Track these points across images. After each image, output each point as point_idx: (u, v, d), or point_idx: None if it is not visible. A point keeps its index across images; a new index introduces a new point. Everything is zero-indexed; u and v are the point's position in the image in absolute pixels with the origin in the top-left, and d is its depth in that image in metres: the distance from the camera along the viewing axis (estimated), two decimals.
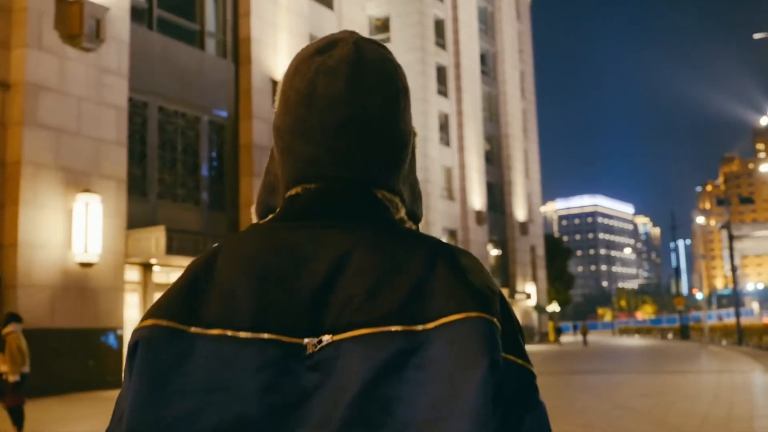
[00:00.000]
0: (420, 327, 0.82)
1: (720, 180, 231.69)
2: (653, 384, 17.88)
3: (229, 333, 0.83)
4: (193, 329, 0.85)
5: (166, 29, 20.94)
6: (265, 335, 0.83)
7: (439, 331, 0.82)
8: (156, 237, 17.72)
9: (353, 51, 0.97)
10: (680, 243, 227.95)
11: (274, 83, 23.12)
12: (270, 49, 23.18)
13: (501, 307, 0.91)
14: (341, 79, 0.95)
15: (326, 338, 0.83)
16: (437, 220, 41.43)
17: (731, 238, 42.07)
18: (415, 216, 1.07)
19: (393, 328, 0.82)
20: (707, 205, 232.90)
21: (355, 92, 0.95)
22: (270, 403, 0.81)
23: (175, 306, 0.87)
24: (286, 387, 0.81)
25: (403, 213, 1.02)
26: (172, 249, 17.78)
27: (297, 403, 0.81)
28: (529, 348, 44.45)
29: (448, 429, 0.77)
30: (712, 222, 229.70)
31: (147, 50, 19.94)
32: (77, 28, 16.85)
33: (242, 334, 0.83)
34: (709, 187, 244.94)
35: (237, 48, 22.71)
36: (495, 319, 0.86)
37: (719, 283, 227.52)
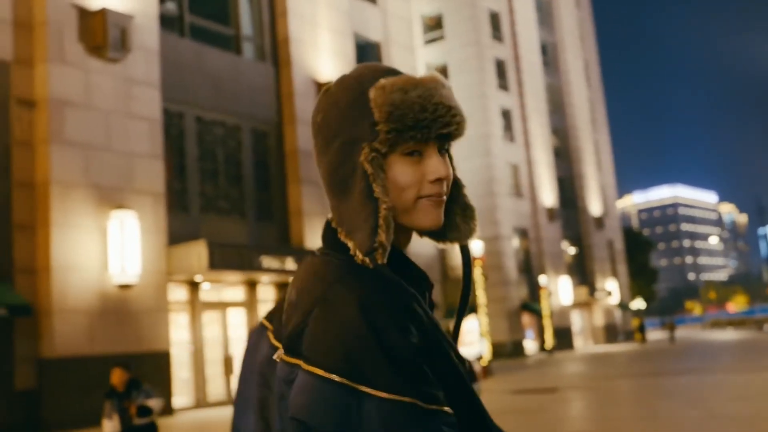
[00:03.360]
0: (297, 361, 1.08)
1: None
2: (753, 385, 15.89)
3: (270, 328, 1.27)
4: (268, 325, 1.28)
5: (199, 36, 20.07)
6: (271, 335, 1.22)
7: (299, 371, 1.07)
8: (198, 252, 16.77)
9: None
10: None
11: (317, 84, 22.01)
12: (311, 49, 22.11)
13: (364, 345, 1.04)
14: None
15: (279, 353, 1.14)
16: (505, 219, 39.78)
17: None
18: (353, 240, 1.15)
19: (287, 358, 1.11)
20: None
21: None
22: (259, 383, 1.21)
23: (273, 307, 1.30)
24: (268, 376, 1.18)
25: (344, 238, 1.17)
26: (215, 263, 16.79)
27: (267, 393, 1.19)
28: (613, 348, 42.40)
29: None
30: None
31: (179, 59, 19.09)
32: (101, 39, 16.06)
33: (270, 330, 1.24)
34: None
35: (275, 50, 21.71)
36: (326, 374, 1.03)
37: None
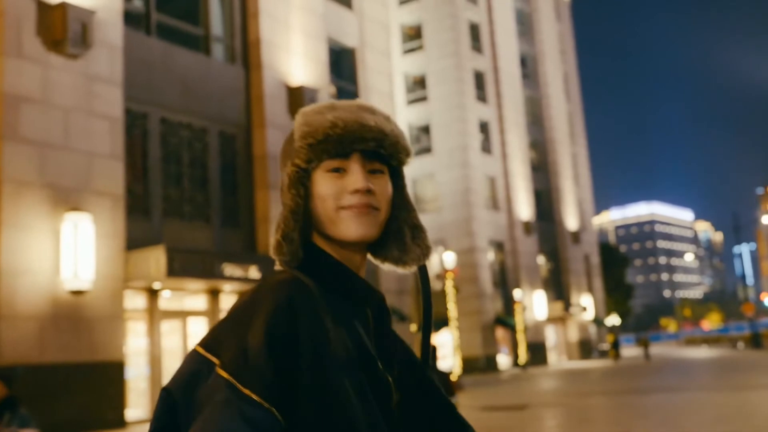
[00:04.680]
0: (215, 360, 1.17)
1: None
2: (730, 404, 15.44)
3: None
4: None
5: (166, 35, 19.42)
6: None
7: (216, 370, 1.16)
8: (156, 258, 16.06)
9: None
10: (744, 247, 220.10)
11: (288, 88, 21.44)
12: (283, 52, 21.53)
13: (229, 327, 1.18)
14: None
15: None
16: (481, 231, 39.37)
17: None
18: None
19: (200, 350, 1.21)
20: None
21: None
22: None
23: None
24: None
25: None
26: (174, 270, 16.09)
27: None
28: (588, 364, 42.00)
29: None
30: None
31: (145, 57, 18.44)
32: (61, 33, 15.38)
33: None
34: None
35: (246, 52, 21.10)
36: (201, 350, 1.20)
37: None
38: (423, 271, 1.39)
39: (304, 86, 21.43)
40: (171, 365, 17.97)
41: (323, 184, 1.26)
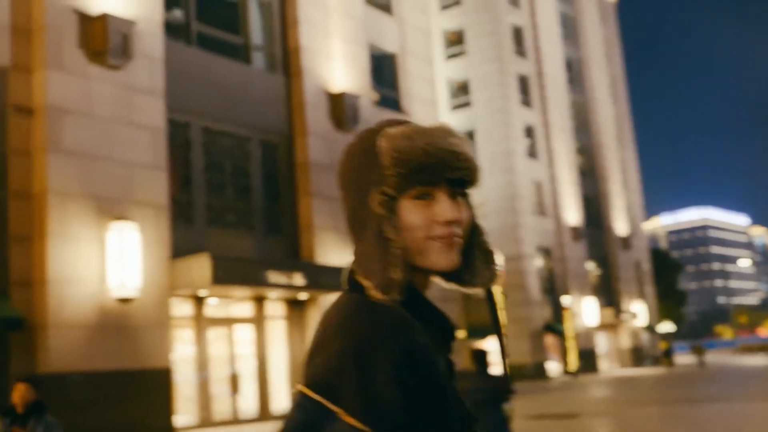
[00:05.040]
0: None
1: None
2: None
3: None
4: None
5: (206, 44, 19.56)
6: None
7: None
8: (201, 266, 16.11)
9: None
10: None
11: (329, 95, 21.41)
12: (323, 59, 21.53)
13: (347, 375, 1.10)
14: None
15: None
16: (528, 238, 38.87)
17: None
18: (368, 278, 1.22)
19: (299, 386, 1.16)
20: None
21: None
22: None
23: None
24: None
25: (359, 278, 1.24)
26: (218, 278, 16.12)
27: None
28: (640, 372, 41.07)
29: None
30: None
31: (186, 68, 18.58)
32: (101, 44, 15.57)
33: None
34: None
35: (286, 60, 21.14)
36: (307, 390, 1.13)
37: None
38: (490, 295, 1.38)
39: (346, 93, 21.39)
40: (218, 372, 18.01)
41: (412, 213, 1.24)
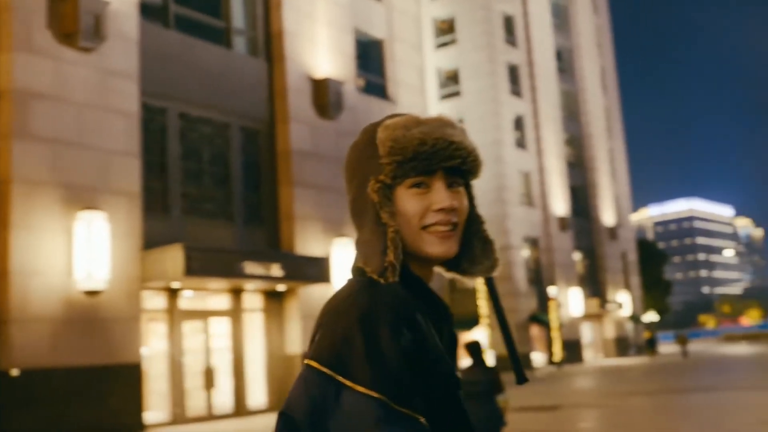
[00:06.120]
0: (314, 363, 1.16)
1: None
2: None
3: None
4: None
5: (185, 27, 18.88)
6: None
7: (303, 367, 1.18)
8: (173, 257, 15.52)
9: None
10: None
11: (313, 81, 20.79)
12: (307, 44, 20.89)
13: (354, 345, 1.13)
14: None
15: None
16: (515, 229, 38.44)
17: None
18: (368, 264, 1.26)
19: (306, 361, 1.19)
20: None
21: None
22: None
23: None
24: None
25: (360, 263, 1.28)
26: (192, 269, 15.54)
27: None
28: (624, 361, 40.85)
29: None
30: None
31: (163, 51, 17.91)
32: (72, 25, 14.90)
33: None
34: None
35: (269, 44, 20.49)
36: (317, 365, 1.15)
37: None
38: (491, 283, 1.40)
39: (330, 79, 20.78)
40: (193, 366, 17.48)
41: (408, 201, 1.27)
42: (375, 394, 1.08)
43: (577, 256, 45.41)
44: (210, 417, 17.46)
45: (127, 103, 16.03)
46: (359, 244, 1.30)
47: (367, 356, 1.11)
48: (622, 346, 49.07)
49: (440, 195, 1.26)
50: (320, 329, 1.20)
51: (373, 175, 1.28)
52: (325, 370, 1.13)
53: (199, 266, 15.73)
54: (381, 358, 1.11)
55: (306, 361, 1.17)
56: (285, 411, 1.15)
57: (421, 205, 1.26)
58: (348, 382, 1.10)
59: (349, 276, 1.32)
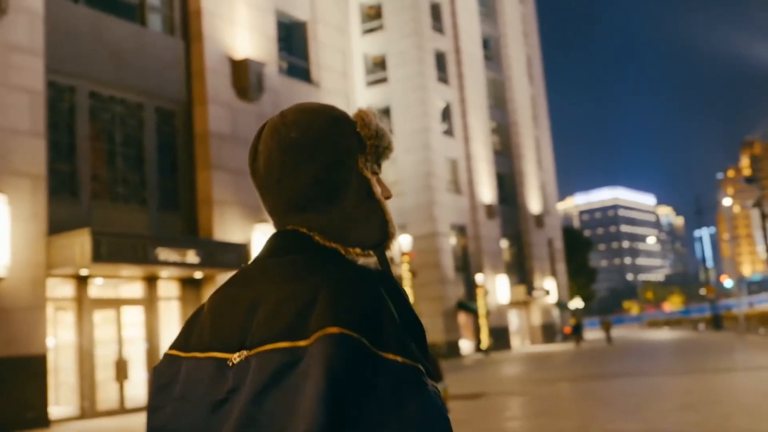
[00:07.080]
0: (303, 342, 1.04)
1: (745, 162, 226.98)
2: (695, 389, 14.66)
3: (197, 354, 1.14)
4: (182, 354, 1.16)
5: (96, 3, 18.04)
6: (211, 354, 1.12)
7: (312, 345, 1.04)
8: (81, 242, 14.75)
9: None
10: (705, 230, 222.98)
11: (232, 62, 20.14)
12: (226, 24, 20.22)
13: (381, 313, 1.09)
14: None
15: (242, 354, 1.09)
16: (443, 216, 38.40)
17: (764, 217, 38.62)
18: (347, 238, 1.23)
19: (281, 344, 1.06)
20: (730, 191, 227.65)
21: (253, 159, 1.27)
22: (209, 401, 1.09)
23: (179, 337, 1.20)
24: (218, 390, 1.08)
25: (323, 241, 1.22)
26: (101, 255, 14.82)
27: (223, 401, 1.07)
28: (551, 348, 41.39)
29: None
30: (736, 209, 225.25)
31: (72, 26, 17.04)
32: None
33: (199, 354, 1.14)
34: (731, 173, 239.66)
35: (186, 23, 19.76)
36: (349, 331, 1.04)
37: (746, 270, 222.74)
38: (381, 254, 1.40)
39: (250, 59, 20.17)
40: (104, 358, 16.72)
41: (375, 186, 1.29)
42: (414, 363, 1.08)
43: (504, 243, 45.73)
44: (122, 410, 16.74)
45: (32, 80, 15.15)
46: (333, 219, 1.23)
47: (397, 328, 1.09)
48: (548, 332, 49.74)
49: (386, 186, 1.31)
50: (312, 304, 1.09)
51: (359, 153, 1.27)
52: (359, 337, 1.05)
53: (108, 252, 15.01)
54: (398, 326, 1.10)
55: (331, 330, 1.04)
56: (330, 375, 1.01)
57: (381, 192, 1.29)
58: (385, 354, 1.06)
59: (278, 254, 1.22)
